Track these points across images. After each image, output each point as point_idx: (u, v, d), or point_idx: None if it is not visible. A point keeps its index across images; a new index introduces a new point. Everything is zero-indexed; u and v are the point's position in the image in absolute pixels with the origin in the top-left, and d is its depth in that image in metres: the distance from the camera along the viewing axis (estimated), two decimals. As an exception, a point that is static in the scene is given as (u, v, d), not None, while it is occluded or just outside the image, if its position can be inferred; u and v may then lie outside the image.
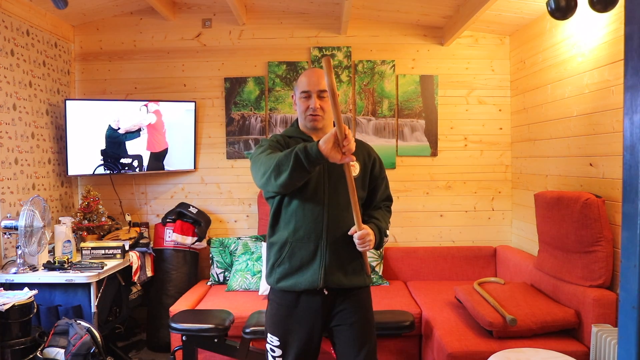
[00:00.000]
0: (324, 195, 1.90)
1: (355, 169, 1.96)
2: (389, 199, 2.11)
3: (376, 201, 2.06)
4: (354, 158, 1.67)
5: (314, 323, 1.92)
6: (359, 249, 1.89)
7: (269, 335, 1.96)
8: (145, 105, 3.86)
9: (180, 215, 3.82)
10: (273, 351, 1.94)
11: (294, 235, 1.89)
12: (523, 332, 2.61)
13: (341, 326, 1.94)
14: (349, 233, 1.89)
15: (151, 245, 3.73)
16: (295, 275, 1.89)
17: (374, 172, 2.04)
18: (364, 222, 1.93)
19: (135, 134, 3.82)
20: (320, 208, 1.88)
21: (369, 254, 3.67)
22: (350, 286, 1.93)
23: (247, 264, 3.69)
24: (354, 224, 1.88)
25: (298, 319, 1.91)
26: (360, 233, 1.86)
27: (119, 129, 3.76)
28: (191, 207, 3.87)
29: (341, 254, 1.91)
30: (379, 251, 3.84)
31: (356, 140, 2.05)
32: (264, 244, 3.70)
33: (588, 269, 2.60)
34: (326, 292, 1.90)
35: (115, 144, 3.76)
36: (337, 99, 1.60)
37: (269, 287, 2.01)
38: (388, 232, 2.02)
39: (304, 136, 1.98)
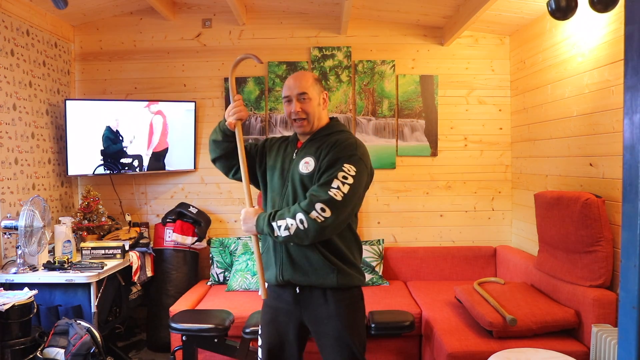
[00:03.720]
0: (279, 195, 1.96)
1: (308, 166, 1.88)
2: (317, 191, 1.78)
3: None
4: (237, 120, 1.96)
5: (289, 318, 1.96)
6: None
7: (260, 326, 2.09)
8: (147, 106, 3.86)
9: (180, 215, 3.82)
10: (258, 340, 2.05)
11: None
12: (523, 332, 2.61)
13: (315, 334, 1.95)
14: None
15: (151, 245, 3.73)
16: (268, 269, 1.99)
17: (324, 161, 1.84)
18: None
19: (122, 143, 3.82)
20: (278, 206, 1.95)
21: (367, 253, 3.71)
22: (318, 285, 1.88)
23: (247, 264, 3.69)
24: None
25: (275, 312, 2.00)
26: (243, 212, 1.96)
27: (117, 130, 3.76)
28: (191, 207, 3.87)
29: (293, 251, 1.89)
30: (379, 251, 3.84)
31: (337, 135, 1.92)
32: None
33: (588, 269, 2.60)
34: (298, 290, 1.93)
35: (112, 145, 3.76)
36: (233, 81, 2.04)
37: None
38: (287, 222, 1.77)
39: (293, 140, 2.05)
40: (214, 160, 2.14)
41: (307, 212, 1.76)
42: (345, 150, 1.84)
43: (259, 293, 1.95)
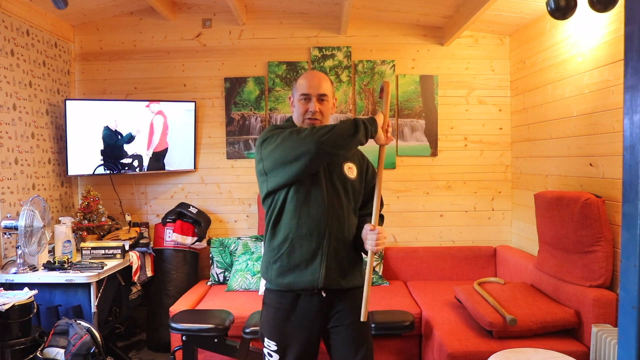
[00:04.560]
0: (327, 195, 1.89)
1: (353, 171, 1.97)
2: (381, 204, 2.09)
3: (370, 205, 2.00)
4: (391, 140, 1.93)
5: (312, 326, 1.90)
6: (370, 248, 1.83)
7: (266, 339, 1.93)
8: (148, 106, 3.86)
9: (180, 215, 3.82)
10: (270, 355, 1.91)
11: (296, 231, 1.86)
12: (523, 332, 2.61)
13: (338, 327, 1.92)
14: (370, 229, 1.83)
15: (151, 245, 3.73)
16: (293, 272, 1.86)
17: (368, 175, 2.04)
18: (361, 224, 1.96)
19: (126, 136, 3.81)
20: (323, 208, 1.87)
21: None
22: (348, 287, 1.93)
23: (247, 264, 3.69)
24: (353, 226, 1.91)
25: (296, 323, 1.89)
26: (380, 229, 1.84)
27: (116, 130, 3.76)
28: (191, 207, 3.87)
29: (342, 255, 1.90)
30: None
31: None
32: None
33: (588, 269, 2.60)
34: (324, 294, 1.89)
35: (112, 145, 3.76)
36: (388, 101, 1.95)
37: (265, 288, 1.98)
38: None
39: None
40: (335, 154, 1.81)
41: None
42: (374, 168, 2.08)
43: (362, 315, 1.81)
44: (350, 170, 1.96)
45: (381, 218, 2.04)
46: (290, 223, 1.88)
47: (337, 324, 1.92)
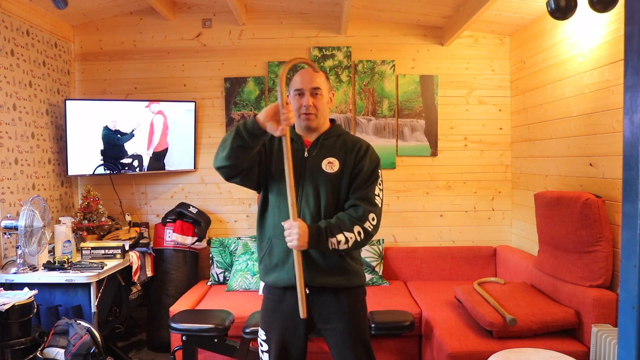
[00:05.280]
0: (298, 193, 1.88)
1: (333, 166, 1.92)
2: (365, 200, 1.88)
3: (349, 195, 1.91)
4: (287, 132, 1.77)
5: (298, 320, 1.90)
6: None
7: (259, 329, 2.02)
8: (148, 106, 3.86)
9: (180, 215, 3.82)
10: (261, 345, 1.98)
11: (273, 231, 1.92)
12: (523, 332, 2.61)
13: (326, 331, 1.95)
14: (282, 223, 1.82)
15: (151, 245, 3.73)
16: (274, 271, 1.92)
17: (356, 167, 1.92)
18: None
19: (128, 135, 3.82)
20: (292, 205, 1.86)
21: (367, 253, 3.72)
22: (333, 285, 1.91)
23: (247, 264, 3.69)
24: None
25: (282, 315, 1.94)
26: (292, 223, 1.78)
27: (115, 130, 3.76)
28: (191, 207, 3.87)
29: (313, 252, 1.87)
30: (379, 251, 3.84)
31: (347, 137, 2.01)
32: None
33: (588, 269, 2.60)
34: (307, 291, 1.88)
35: (112, 145, 3.76)
36: (282, 82, 1.78)
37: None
38: (346, 236, 1.82)
39: (295, 137, 1.97)
40: (225, 167, 1.84)
41: (362, 223, 1.84)
42: (374, 156, 1.95)
43: (300, 312, 1.80)
44: (330, 165, 1.92)
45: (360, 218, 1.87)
46: (269, 223, 1.94)
47: (324, 327, 1.95)
